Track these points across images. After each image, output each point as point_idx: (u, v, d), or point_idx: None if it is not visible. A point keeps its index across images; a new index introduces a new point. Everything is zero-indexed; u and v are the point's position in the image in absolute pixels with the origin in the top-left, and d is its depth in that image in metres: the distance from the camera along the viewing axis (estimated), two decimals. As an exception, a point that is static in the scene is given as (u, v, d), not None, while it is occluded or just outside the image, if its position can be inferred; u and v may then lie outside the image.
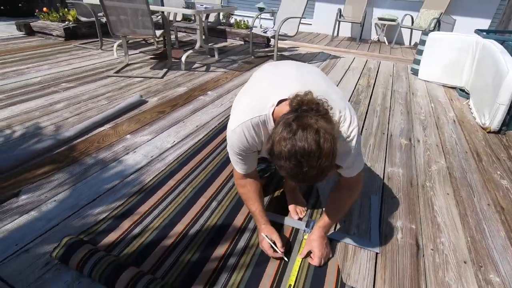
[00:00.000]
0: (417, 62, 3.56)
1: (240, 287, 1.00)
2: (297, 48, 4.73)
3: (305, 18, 3.89)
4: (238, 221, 1.28)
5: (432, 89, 3.20)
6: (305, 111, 0.79)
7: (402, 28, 5.32)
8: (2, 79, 2.60)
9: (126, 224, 1.21)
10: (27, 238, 1.11)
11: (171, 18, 4.14)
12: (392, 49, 5.12)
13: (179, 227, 1.21)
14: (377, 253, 1.18)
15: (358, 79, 3.36)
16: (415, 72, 3.59)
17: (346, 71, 3.64)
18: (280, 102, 0.93)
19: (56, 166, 1.52)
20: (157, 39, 4.08)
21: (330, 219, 1.14)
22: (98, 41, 3.84)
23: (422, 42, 3.46)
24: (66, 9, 4.38)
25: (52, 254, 1.03)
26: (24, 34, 4.20)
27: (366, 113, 2.48)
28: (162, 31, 3.39)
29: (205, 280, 1.02)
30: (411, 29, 5.33)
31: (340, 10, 5.54)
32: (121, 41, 3.32)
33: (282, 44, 4.82)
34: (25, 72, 2.83)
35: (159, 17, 4.10)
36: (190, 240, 1.17)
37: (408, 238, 1.27)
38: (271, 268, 1.08)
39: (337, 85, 2.65)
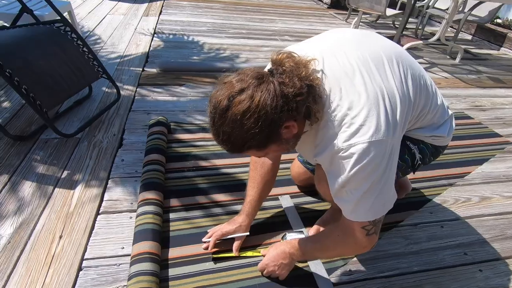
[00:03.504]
0: None
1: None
2: None
3: None
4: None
5: None
6: (269, 71, 0.66)
7: None
8: (256, 22, 3.48)
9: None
10: (170, 106, 1.71)
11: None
12: None
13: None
14: None
15: None
16: None
17: None
18: None
19: (213, 81, 2.05)
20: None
21: (303, 245, 0.88)
22: (346, 13, 4.08)
23: None
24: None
25: (149, 122, 1.51)
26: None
27: None
28: (397, 12, 3.05)
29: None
30: None
31: None
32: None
33: None
34: (274, 21, 3.61)
35: None
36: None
37: None
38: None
39: None
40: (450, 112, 0.92)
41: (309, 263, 0.99)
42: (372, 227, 0.74)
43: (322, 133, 0.71)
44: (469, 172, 1.49)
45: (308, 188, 1.27)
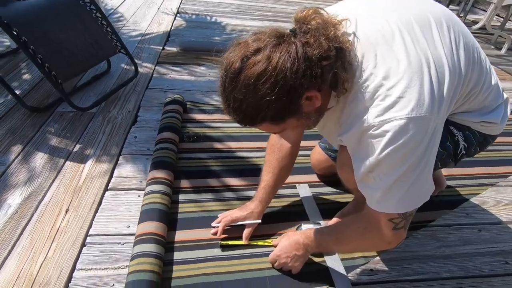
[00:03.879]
0: None
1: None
2: None
3: None
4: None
5: None
6: (291, 31, 0.56)
7: None
8: (283, 4, 3.30)
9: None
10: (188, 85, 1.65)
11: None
12: None
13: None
14: None
15: None
16: None
17: None
18: None
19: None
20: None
21: (319, 236, 0.79)
22: None
23: None
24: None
25: (165, 100, 1.45)
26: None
27: None
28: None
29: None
30: None
31: None
32: None
33: None
34: (303, 4, 3.43)
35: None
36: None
37: None
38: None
39: None
40: (505, 95, 0.78)
41: (325, 258, 0.90)
42: (401, 221, 0.63)
43: (350, 108, 0.60)
44: (514, 172, 1.32)
45: (329, 178, 1.17)
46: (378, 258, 0.92)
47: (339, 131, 0.66)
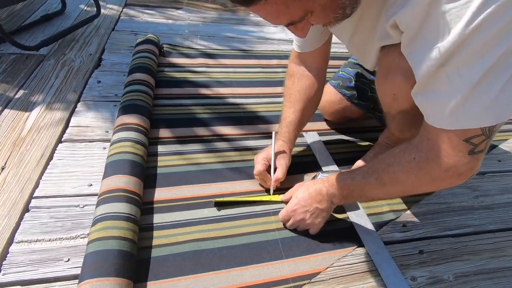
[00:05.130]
0: None
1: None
2: None
3: None
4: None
5: None
6: None
7: None
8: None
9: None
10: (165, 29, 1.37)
11: None
12: None
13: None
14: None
15: None
16: None
17: None
18: None
19: (218, 7, 1.70)
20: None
21: (350, 180, 0.59)
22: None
23: None
24: None
25: (136, 41, 1.17)
26: None
27: None
28: None
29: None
30: None
31: None
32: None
33: None
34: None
35: None
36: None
37: None
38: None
39: None
40: None
41: (348, 213, 0.72)
42: (483, 140, 0.44)
43: None
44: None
45: (341, 125, 0.97)
46: (409, 212, 0.75)
47: (388, 14, 0.45)
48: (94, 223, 0.58)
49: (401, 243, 0.68)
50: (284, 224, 0.67)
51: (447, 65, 0.40)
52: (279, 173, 0.71)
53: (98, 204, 0.61)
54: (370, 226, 0.69)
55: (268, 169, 0.73)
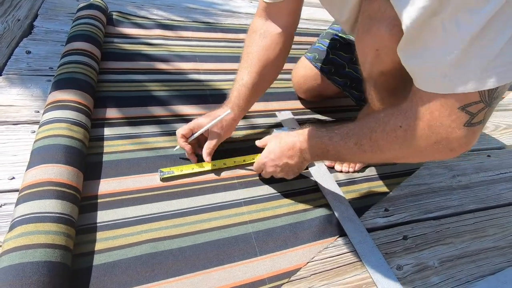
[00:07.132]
0: None
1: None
2: None
3: None
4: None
5: None
6: None
7: None
8: None
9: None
10: None
11: None
12: None
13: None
14: None
15: None
16: None
17: None
18: None
19: None
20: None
21: (328, 139, 0.51)
22: None
23: None
24: None
25: (78, 6, 0.98)
26: None
27: None
28: None
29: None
30: None
31: None
32: None
33: None
34: None
35: None
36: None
37: None
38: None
39: None
40: None
41: (310, 169, 0.66)
42: (482, 109, 0.36)
43: None
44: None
45: (316, 104, 0.90)
46: (391, 194, 0.70)
47: None
48: (11, 228, 0.44)
49: (385, 229, 0.63)
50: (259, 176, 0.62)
51: (443, 12, 0.32)
52: (209, 145, 0.63)
53: (17, 203, 0.47)
54: (334, 186, 0.65)
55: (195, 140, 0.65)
